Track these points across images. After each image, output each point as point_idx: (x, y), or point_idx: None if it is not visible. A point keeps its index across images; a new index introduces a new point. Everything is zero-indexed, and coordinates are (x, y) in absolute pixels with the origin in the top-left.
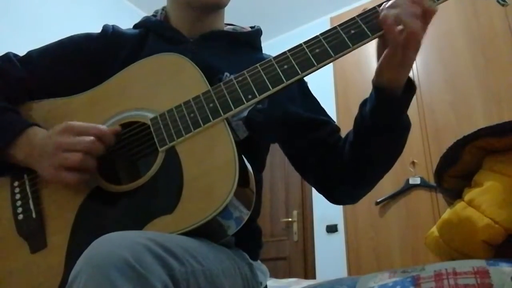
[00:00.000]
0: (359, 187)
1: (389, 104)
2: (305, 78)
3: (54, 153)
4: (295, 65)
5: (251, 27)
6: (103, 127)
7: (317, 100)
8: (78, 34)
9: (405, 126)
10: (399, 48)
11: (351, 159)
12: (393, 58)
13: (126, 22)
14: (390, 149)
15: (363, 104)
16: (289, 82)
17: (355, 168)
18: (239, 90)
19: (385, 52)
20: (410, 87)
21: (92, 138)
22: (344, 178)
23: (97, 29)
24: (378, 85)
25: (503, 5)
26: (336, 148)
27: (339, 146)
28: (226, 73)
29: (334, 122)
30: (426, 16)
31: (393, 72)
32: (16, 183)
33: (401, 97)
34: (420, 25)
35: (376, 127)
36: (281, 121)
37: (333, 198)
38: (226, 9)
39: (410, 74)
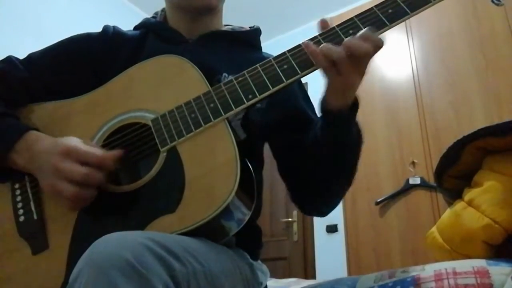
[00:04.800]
0: (319, 202)
1: (336, 123)
2: (305, 79)
3: (51, 177)
4: (295, 65)
5: (250, 27)
6: (103, 154)
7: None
8: (78, 34)
9: (355, 142)
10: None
11: (310, 175)
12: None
13: (126, 22)
14: (343, 164)
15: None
16: (289, 81)
17: (313, 182)
18: (239, 90)
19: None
20: (354, 104)
21: (89, 169)
22: (308, 190)
23: (97, 29)
24: (324, 109)
25: (497, 4)
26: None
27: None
28: (224, 74)
29: None
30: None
31: (339, 97)
32: (17, 185)
33: (347, 115)
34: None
35: (326, 145)
36: (280, 118)
37: (303, 209)
38: (226, 9)
39: (409, 73)
